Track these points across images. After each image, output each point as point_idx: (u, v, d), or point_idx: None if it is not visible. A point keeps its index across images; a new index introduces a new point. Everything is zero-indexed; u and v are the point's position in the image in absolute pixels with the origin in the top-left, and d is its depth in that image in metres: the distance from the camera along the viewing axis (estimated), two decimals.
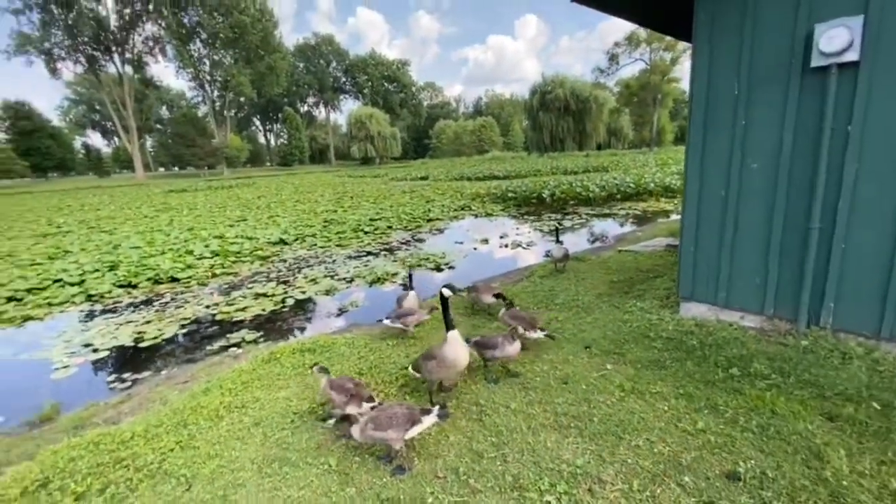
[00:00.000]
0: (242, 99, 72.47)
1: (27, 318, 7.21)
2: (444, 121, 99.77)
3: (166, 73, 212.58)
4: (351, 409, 3.02)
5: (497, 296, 4.92)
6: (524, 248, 10.51)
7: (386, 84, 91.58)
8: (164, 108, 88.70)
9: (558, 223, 9.07)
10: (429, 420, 2.69)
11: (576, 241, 10.54)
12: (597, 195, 17.72)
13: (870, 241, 3.43)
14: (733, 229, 4.12)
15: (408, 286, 5.42)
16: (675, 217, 13.16)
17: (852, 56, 3.25)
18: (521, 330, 3.89)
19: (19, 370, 5.44)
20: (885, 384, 3.03)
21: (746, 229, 4.05)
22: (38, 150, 64.77)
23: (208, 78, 67.25)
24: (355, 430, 2.72)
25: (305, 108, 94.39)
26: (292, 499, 2.50)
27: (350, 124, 76.73)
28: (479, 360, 3.74)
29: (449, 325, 3.12)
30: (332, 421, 2.99)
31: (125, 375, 5.04)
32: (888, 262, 3.36)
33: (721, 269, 4.24)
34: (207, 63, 65.68)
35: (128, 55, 58.72)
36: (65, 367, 5.33)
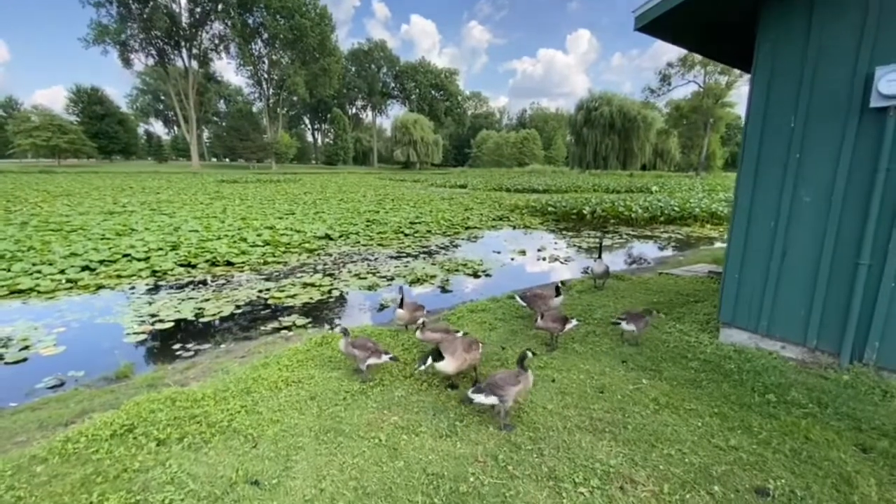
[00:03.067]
0: (295, 98, 75.61)
1: (100, 287, 7.96)
2: (487, 131, 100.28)
3: (227, 69, 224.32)
4: (372, 361, 3.84)
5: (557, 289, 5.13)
6: (561, 262, 10.60)
7: (433, 91, 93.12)
8: (221, 102, 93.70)
9: (600, 238, 9.10)
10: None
11: (614, 261, 10.54)
12: (639, 216, 17.50)
13: None
14: (780, 259, 4.16)
15: (402, 301, 4.88)
16: (719, 245, 12.87)
17: None
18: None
19: (96, 332, 6.06)
20: None
21: (793, 260, 4.09)
22: (106, 133, 69.91)
23: (266, 76, 70.70)
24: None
25: (353, 110, 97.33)
26: (347, 465, 2.79)
27: (395, 128, 78.60)
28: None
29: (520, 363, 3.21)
30: (423, 366, 3.50)
31: (188, 345, 5.55)
32: None
33: (765, 298, 4.28)
34: (266, 62, 69.09)
35: (195, 51, 62.67)
36: (135, 332, 5.92)
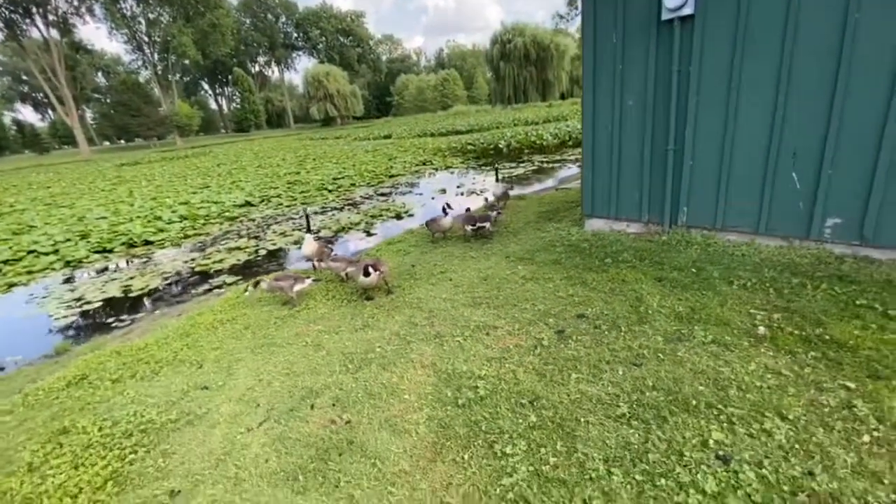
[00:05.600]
0: (187, 61, 67.79)
1: (11, 285, 7.72)
2: (406, 75, 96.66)
3: (98, 35, 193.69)
4: (297, 287, 4.52)
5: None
6: (478, 194, 11.46)
7: (341, 38, 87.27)
8: (99, 75, 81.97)
9: (496, 166, 10.04)
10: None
11: (522, 185, 11.57)
12: (550, 143, 18.68)
13: (707, 156, 4.52)
14: (618, 155, 5.16)
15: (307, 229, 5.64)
16: None
17: (688, 10, 4.19)
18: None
19: (22, 324, 6.10)
20: (707, 258, 4.23)
21: (627, 155, 5.10)
22: None
23: (146, 39, 62.49)
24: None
25: (257, 68, 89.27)
26: (280, 362, 3.49)
27: (307, 84, 73.58)
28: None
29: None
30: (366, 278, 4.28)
31: (123, 317, 5.82)
32: (718, 173, 4.48)
33: (611, 189, 5.32)
34: (143, 22, 60.82)
35: (51, 17, 53.65)
36: (64, 317, 6.05)
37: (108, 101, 68.59)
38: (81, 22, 57.54)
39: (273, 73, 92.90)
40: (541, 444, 2.26)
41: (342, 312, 4.28)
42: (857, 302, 3.18)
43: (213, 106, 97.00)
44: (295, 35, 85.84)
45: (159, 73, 65.94)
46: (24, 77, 74.99)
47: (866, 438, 2.06)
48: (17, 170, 42.53)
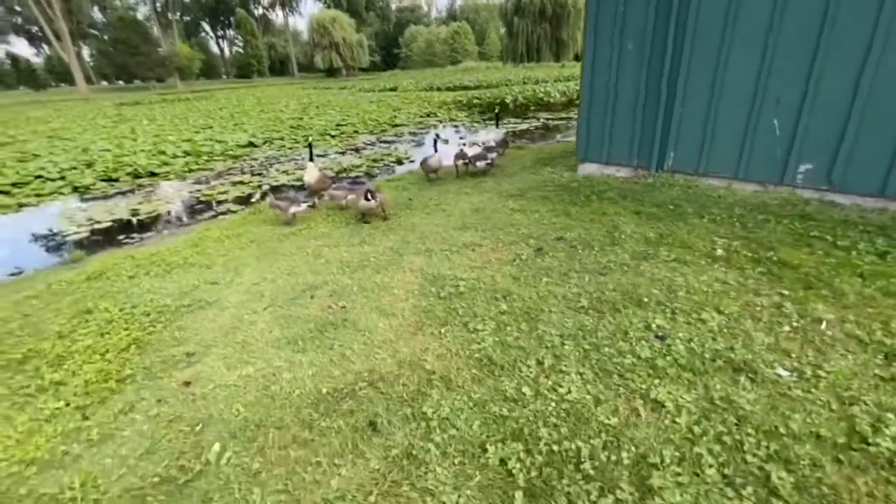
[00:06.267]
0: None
1: (22, 205, 8.00)
2: (415, 27, 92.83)
3: None
4: (294, 209, 4.84)
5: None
6: (479, 146, 11.52)
7: None
8: (96, 9, 78.65)
9: (497, 112, 10.10)
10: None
11: (523, 139, 11.62)
12: (557, 101, 18.45)
13: (697, 103, 4.69)
14: (614, 100, 5.31)
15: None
16: None
17: None
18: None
19: (37, 242, 6.43)
20: (685, 197, 4.50)
21: (623, 100, 5.25)
22: None
23: None
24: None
25: (260, 10, 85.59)
26: (283, 266, 3.82)
27: (311, 30, 70.80)
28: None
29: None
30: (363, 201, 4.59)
31: (133, 236, 6.13)
32: (706, 119, 4.66)
33: (604, 134, 5.50)
34: None
35: None
36: (76, 233, 6.36)
37: (106, 38, 66.24)
38: None
39: (277, 16, 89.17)
40: (507, 325, 2.61)
41: (341, 232, 4.59)
42: (811, 234, 3.48)
43: (215, 50, 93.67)
44: None
45: (158, 10, 63.38)
46: (17, 7, 71.96)
47: (786, 328, 2.41)
48: (14, 104, 41.82)
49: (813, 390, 1.97)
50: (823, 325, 2.40)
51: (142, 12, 67.66)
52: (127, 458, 1.97)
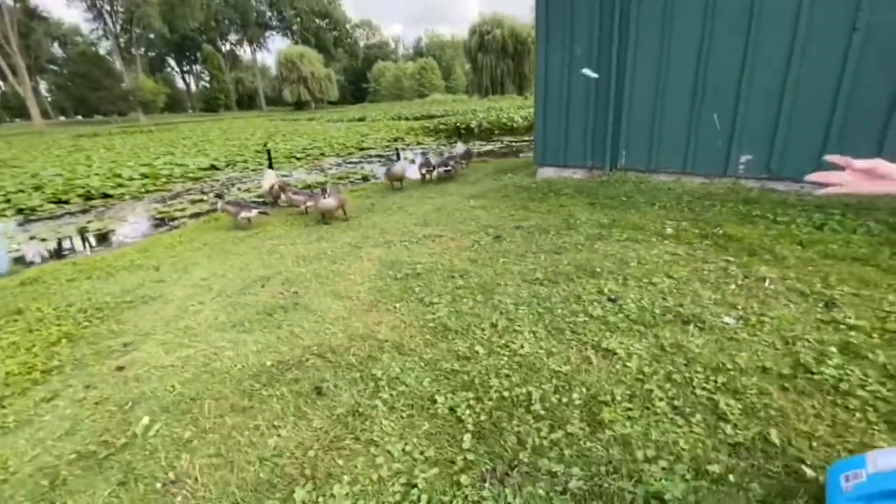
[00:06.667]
0: (152, 35, 64.89)
1: None
2: (383, 62, 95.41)
3: (55, 4, 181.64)
4: (244, 214, 4.78)
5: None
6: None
7: (317, 20, 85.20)
8: (55, 45, 77.20)
9: (459, 127, 10.39)
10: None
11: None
12: (520, 125, 19.13)
13: (643, 104, 4.95)
14: (567, 105, 5.54)
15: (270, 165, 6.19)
16: None
17: None
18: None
19: None
20: (637, 191, 4.67)
21: (574, 104, 5.48)
22: None
23: (108, 9, 59.38)
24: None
25: (228, 46, 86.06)
26: (235, 263, 3.68)
27: (280, 65, 71.57)
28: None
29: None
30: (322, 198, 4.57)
31: (80, 250, 5.80)
32: (652, 121, 4.91)
33: (560, 138, 5.70)
34: None
35: None
36: (17, 250, 5.97)
37: (66, 72, 64.79)
38: None
39: (245, 52, 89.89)
40: (463, 297, 2.58)
41: (298, 232, 4.49)
42: (754, 214, 3.65)
43: (181, 85, 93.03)
44: (269, 14, 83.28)
45: (122, 45, 62.83)
46: None
47: (732, 286, 2.47)
48: None
49: (758, 333, 2.01)
50: (767, 283, 2.47)
51: (104, 46, 66.79)
52: (44, 441, 1.78)
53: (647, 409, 1.59)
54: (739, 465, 1.34)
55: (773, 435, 1.43)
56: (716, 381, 1.70)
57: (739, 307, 2.26)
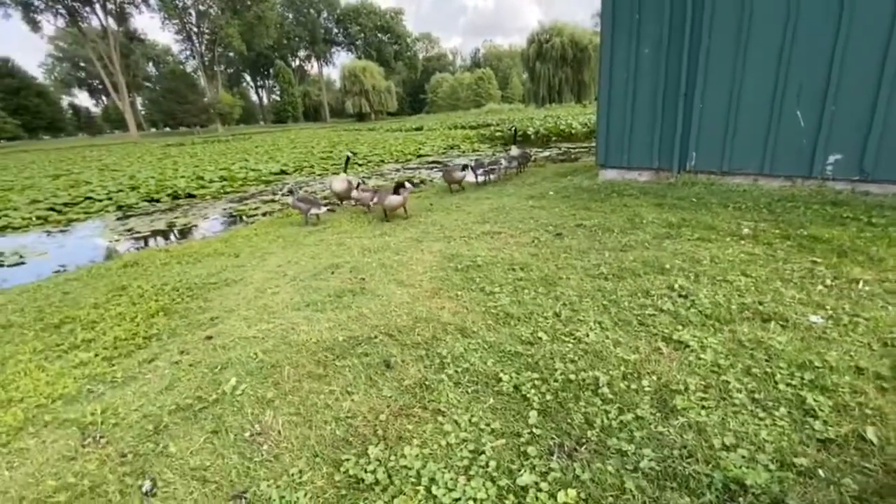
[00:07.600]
0: (232, 54, 70.83)
1: (70, 221, 8.56)
2: (441, 74, 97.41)
3: (152, 27, 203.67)
4: (314, 210, 5.05)
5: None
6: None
7: (379, 35, 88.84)
8: (150, 64, 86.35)
9: (514, 130, 10.41)
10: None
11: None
12: (578, 131, 18.73)
13: (717, 100, 4.70)
14: (632, 104, 5.38)
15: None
16: None
17: None
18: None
19: (80, 245, 6.83)
20: (709, 192, 4.43)
21: (641, 104, 5.32)
22: (26, 108, 63.88)
23: (195, 30, 65.63)
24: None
25: (297, 62, 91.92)
26: (307, 252, 3.93)
27: (343, 78, 75.34)
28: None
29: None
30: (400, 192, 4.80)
31: (169, 241, 6.43)
32: (727, 115, 4.66)
33: (624, 139, 5.54)
34: (193, 14, 63.91)
35: (109, 5, 57.06)
36: (116, 241, 6.73)
37: (158, 88, 72.19)
38: (137, 11, 60.95)
39: (312, 67, 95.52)
40: (524, 288, 2.59)
41: (363, 227, 4.71)
42: (844, 216, 3.35)
43: (254, 97, 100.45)
44: (335, 30, 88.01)
45: (206, 63, 69.05)
46: (82, 63, 79.76)
47: (820, 287, 2.29)
48: (72, 147, 45.55)
49: (850, 334, 1.85)
50: (860, 284, 2.27)
51: (191, 65, 73.70)
52: (147, 394, 2.01)
53: (724, 399, 1.52)
54: (830, 460, 1.26)
55: (870, 433, 1.32)
56: (802, 378, 1.59)
57: (828, 307, 2.09)
